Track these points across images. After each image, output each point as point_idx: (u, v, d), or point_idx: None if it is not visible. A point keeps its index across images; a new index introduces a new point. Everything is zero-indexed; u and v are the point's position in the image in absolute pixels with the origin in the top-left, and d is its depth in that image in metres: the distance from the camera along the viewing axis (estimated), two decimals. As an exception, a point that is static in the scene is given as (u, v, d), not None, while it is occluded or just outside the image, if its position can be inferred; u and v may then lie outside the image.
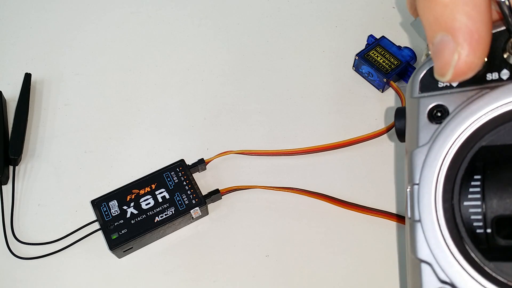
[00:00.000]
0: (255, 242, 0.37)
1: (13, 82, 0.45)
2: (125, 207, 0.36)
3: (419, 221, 0.23)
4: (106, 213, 0.36)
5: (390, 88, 0.44)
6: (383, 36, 0.45)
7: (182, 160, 0.39)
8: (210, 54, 0.47)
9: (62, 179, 0.40)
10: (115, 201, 0.37)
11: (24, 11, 0.51)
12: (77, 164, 0.41)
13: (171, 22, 0.50)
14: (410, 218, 0.24)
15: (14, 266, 0.36)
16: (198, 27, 0.49)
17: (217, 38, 0.48)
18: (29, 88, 0.44)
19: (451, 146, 0.23)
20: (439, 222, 0.23)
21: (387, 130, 0.41)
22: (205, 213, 0.38)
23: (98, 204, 0.37)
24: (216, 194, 0.37)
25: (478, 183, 0.23)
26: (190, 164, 0.39)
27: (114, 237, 0.35)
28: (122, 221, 0.36)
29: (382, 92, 0.44)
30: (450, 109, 0.24)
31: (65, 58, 0.47)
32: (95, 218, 0.36)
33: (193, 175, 0.38)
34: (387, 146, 0.41)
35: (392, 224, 0.37)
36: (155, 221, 0.36)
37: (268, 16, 0.50)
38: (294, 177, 0.39)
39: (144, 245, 0.37)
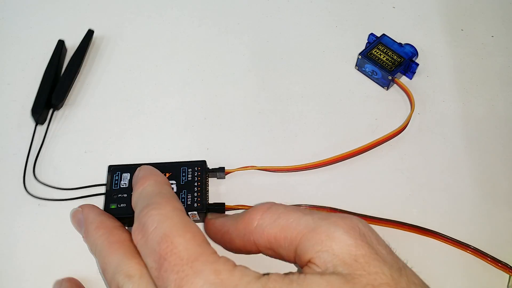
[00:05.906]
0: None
1: (12, 83, 0.45)
2: None
3: None
4: (116, 182, 0.36)
5: (393, 86, 0.44)
6: (383, 34, 0.45)
7: (204, 162, 0.37)
8: (210, 54, 0.47)
9: (62, 179, 0.40)
10: (129, 174, 0.36)
11: (24, 11, 0.51)
12: (77, 164, 0.41)
13: (171, 22, 0.50)
14: None
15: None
16: (198, 27, 0.49)
17: (217, 38, 0.48)
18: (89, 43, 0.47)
19: None
20: None
21: (401, 130, 0.40)
22: (202, 219, 0.36)
23: (113, 171, 0.36)
24: (220, 208, 0.36)
25: None
26: (210, 168, 0.38)
27: (112, 206, 0.35)
28: (126, 195, 0.35)
29: (387, 89, 0.44)
30: None
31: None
32: (105, 182, 0.37)
33: (209, 179, 0.37)
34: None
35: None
36: None
37: (268, 16, 0.50)
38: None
39: None
